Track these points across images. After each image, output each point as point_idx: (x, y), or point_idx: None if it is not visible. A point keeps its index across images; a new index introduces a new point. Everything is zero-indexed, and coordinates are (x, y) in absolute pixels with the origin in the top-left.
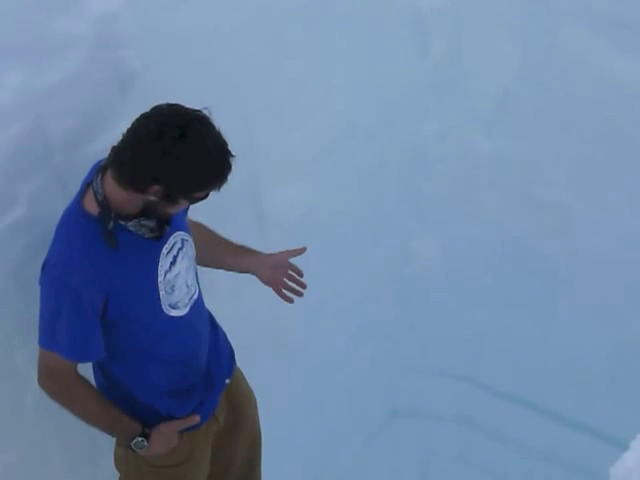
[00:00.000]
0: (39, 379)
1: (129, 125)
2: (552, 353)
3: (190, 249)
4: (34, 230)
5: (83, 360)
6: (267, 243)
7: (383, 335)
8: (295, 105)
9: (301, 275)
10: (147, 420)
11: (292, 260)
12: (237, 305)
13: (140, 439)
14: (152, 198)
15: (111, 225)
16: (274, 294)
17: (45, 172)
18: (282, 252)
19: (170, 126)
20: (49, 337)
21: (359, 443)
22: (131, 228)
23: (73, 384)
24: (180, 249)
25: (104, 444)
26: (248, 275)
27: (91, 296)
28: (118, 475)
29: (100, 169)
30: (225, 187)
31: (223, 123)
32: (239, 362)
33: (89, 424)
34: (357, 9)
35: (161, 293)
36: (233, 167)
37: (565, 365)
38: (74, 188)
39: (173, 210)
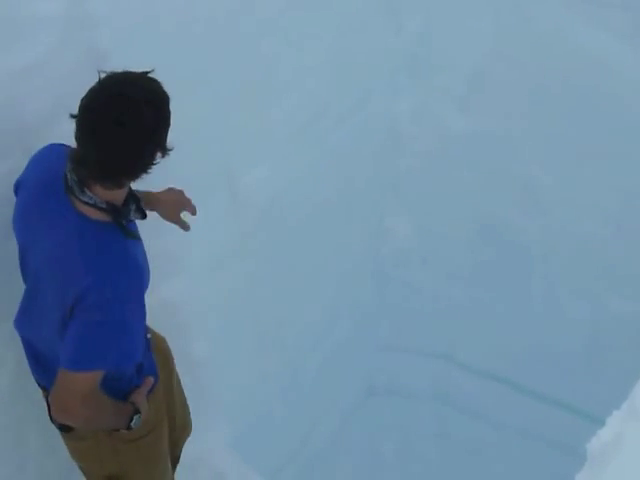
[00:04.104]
0: (66, 409)
1: (80, 133)
2: (528, 330)
3: None
4: (7, 211)
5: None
6: (242, 223)
7: (359, 313)
8: (268, 84)
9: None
10: (119, 397)
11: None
12: (215, 285)
13: (137, 416)
14: (154, 163)
15: (125, 223)
16: (252, 274)
17: (18, 153)
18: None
19: (126, 111)
20: (91, 358)
21: (336, 422)
22: (132, 217)
23: (102, 399)
24: None
25: None
26: (228, 253)
27: (143, 296)
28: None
29: (79, 184)
30: (199, 167)
31: (196, 104)
32: (220, 340)
33: (104, 427)
34: None
35: None
36: (206, 147)
37: (541, 342)
38: None
39: None
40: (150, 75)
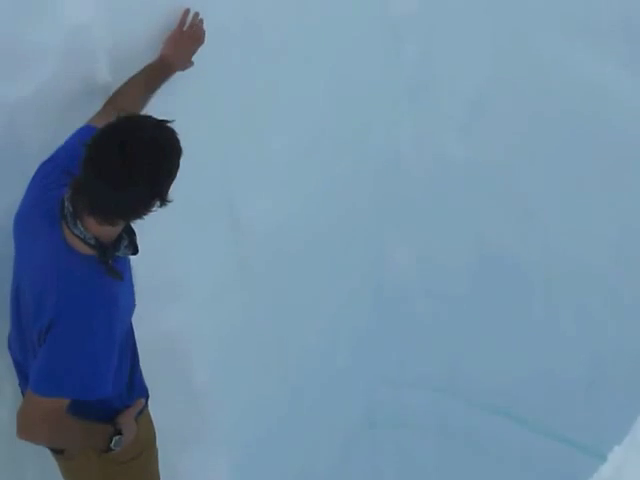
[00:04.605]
0: (27, 428)
1: (84, 168)
2: (529, 362)
3: None
4: (9, 242)
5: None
6: (242, 252)
7: (359, 344)
8: (268, 113)
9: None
10: (104, 418)
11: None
12: (215, 313)
13: (117, 437)
14: (150, 211)
15: (111, 262)
16: (251, 303)
17: (19, 184)
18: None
19: (133, 153)
20: (53, 384)
21: (336, 453)
22: (120, 254)
23: (68, 422)
24: None
25: None
26: (228, 281)
27: (114, 333)
28: None
29: (72, 215)
30: (200, 196)
31: (196, 132)
32: (220, 368)
33: (73, 448)
34: (330, 15)
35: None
36: (207, 175)
37: (542, 373)
38: None
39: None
40: (168, 125)
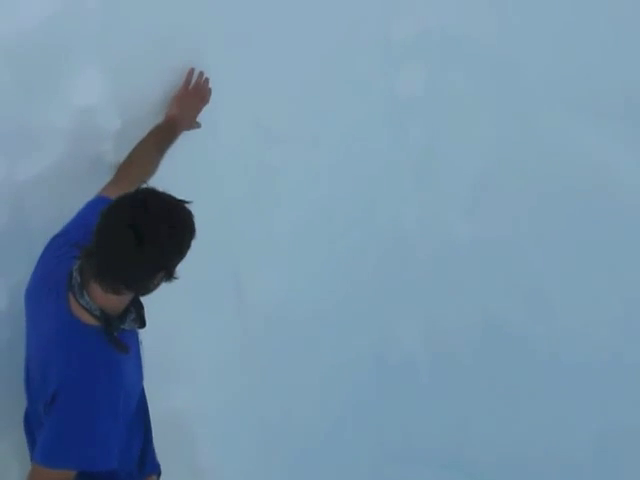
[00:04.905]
0: None
1: (97, 234)
2: (534, 437)
3: None
4: (16, 325)
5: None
6: (248, 329)
7: (364, 420)
8: (276, 191)
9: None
10: None
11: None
12: (221, 392)
13: None
14: (155, 285)
15: (116, 334)
16: (257, 381)
17: (26, 265)
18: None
19: (144, 219)
20: (57, 457)
21: None
22: (126, 327)
23: None
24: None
25: None
26: (233, 358)
27: (119, 405)
28: None
29: (80, 286)
30: (206, 274)
31: (204, 211)
32: (225, 446)
33: None
34: (338, 97)
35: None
36: (213, 252)
37: (547, 451)
38: None
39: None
40: (186, 205)
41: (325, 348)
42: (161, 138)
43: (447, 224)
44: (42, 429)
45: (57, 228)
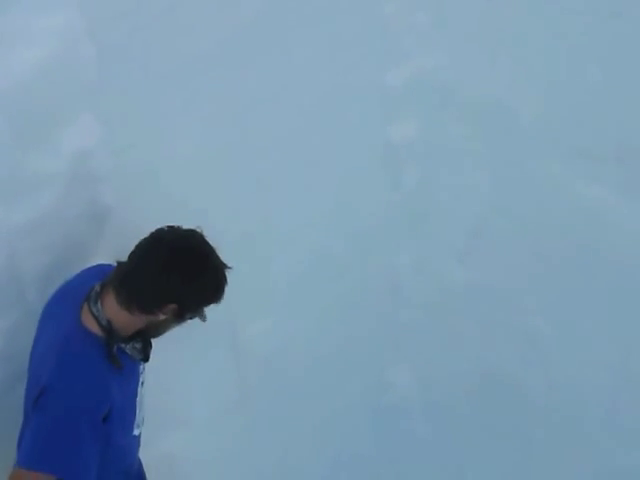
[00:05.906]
0: None
1: (135, 249)
2: None
3: None
4: (9, 367)
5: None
6: (243, 374)
7: (361, 468)
8: (270, 237)
9: None
10: None
11: None
12: (216, 438)
13: None
14: (162, 317)
15: (115, 348)
16: (252, 427)
17: (19, 309)
18: None
19: (183, 251)
20: (38, 458)
21: None
22: (127, 351)
23: None
24: (144, 368)
25: None
26: (228, 404)
27: (100, 418)
28: None
29: (97, 294)
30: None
31: None
32: None
33: None
34: (330, 142)
35: (137, 412)
36: None
37: None
38: None
39: (174, 327)
40: (227, 270)
41: (320, 395)
42: None
43: (441, 270)
44: (27, 429)
45: (51, 273)
